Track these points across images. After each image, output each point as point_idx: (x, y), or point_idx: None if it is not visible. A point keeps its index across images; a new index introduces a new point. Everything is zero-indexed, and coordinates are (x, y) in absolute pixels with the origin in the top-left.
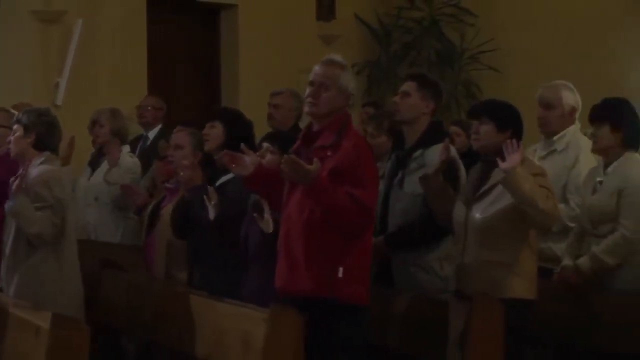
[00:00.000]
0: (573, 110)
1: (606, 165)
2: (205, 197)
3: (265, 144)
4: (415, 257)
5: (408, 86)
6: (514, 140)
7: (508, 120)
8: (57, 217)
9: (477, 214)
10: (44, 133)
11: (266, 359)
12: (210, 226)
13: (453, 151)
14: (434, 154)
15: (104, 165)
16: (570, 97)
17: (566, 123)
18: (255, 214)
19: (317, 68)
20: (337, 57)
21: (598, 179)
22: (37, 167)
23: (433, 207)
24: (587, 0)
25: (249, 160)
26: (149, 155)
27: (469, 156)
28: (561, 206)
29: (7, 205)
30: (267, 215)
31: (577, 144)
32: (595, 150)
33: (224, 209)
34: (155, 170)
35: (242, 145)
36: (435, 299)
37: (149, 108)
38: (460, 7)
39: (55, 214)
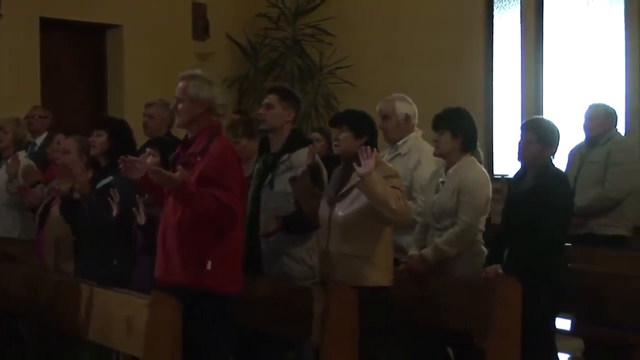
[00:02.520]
0: (408, 117)
1: (447, 168)
2: (109, 198)
3: (147, 149)
4: (287, 248)
5: (271, 98)
6: (368, 147)
7: (364, 128)
8: None
9: (339, 211)
10: None
11: (148, 341)
12: (113, 222)
13: (316, 155)
14: (300, 158)
15: (3, 169)
16: (404, 107)
17: (405, 130)
18: (133, 208)
19: (178, 85)
20: (188, 71)
21: (440, 179)
22: None
23: (302, 204)
24: (429, 24)
25: (141, 166)
26: (36, 159)
27: (328, 159)
28: (409, 203)
29: None
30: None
31: (419, 148)
32: (437, 155)
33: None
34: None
35: (123, 157)
36: (301, 285)
37: (36, 117)
38: (320, 28)
39: None
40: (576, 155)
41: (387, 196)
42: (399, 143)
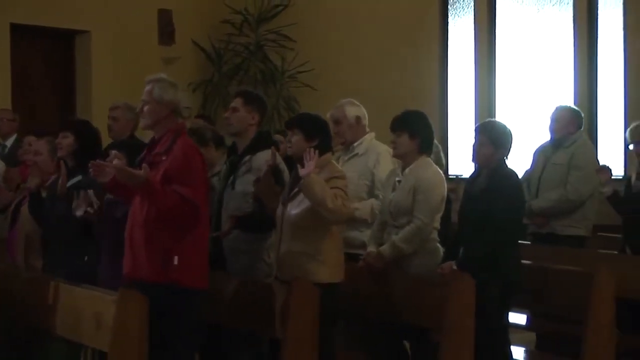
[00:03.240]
0: (359, 119)
1: (404, 168)
2: (76, 199)
3: (113, 152)
4: (248, 247)
5: (236, 102)
6: (312, 150)
7: (315, 131)
8: None
9: (291, 210)
10: None
11: (115, 336)
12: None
13: (278, 157)
14: (261, 160)
15: None
16: (353, 110)
17: (358, 132)
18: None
19: (145, 88)
20: (153, 75)
21: (397, 179)
22: None
23: (266, 204)
24: (387, 30)
25: (109, 169)
26: (6, 161)
27: (290, 160)
28: (373, 200)
29: None
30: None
31: (375, 148)
32: (395, 155)
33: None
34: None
35: (93, 162)
36: (262, 282)
37: (4, 120)
38: (281, 34)
39: None
40: (540, 156)
41: (324, 196)
42: (354, 144)
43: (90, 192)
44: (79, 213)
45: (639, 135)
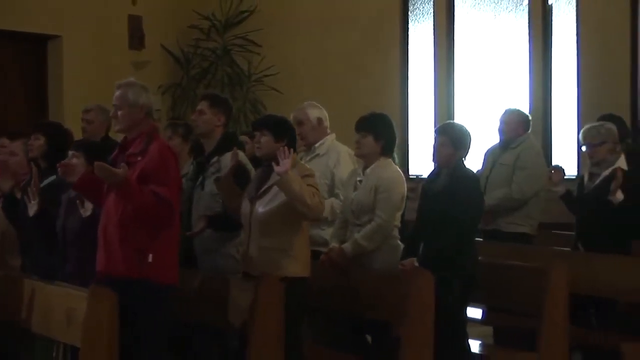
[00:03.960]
0: (320, 121)
1: (365, 167)
2: (25, 197)
3: (70, 152)
4: (218, 245)
5: (202, 105)
6: (286, 148)
7: (283, 132)
8: None
9: (259, 208)
10: None
11: (86, 332)
12: (31, 220)
13: (242, 157)
14: (228, 160)
15: None
16: (315, 112)
17: (319, 133)
18: (77, 201)
19: (115, 93)
20: (126, 80)
21: (358, 178)
22: None
23: (227, 204)
24: (349, 35)
25: (77, 169)
26: None
27: (256, 160)
28: (332, 199)
29: None
30: (86, 203)
31: (336, 149)
32: (358, 155)
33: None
34: None
35: (61, 162)
36: (230, 278)
37: None
38: (248, 39)
39: None
40: (490, 157)
41: (303, 193)
42: (316, 145)
43: (30, 188)
44: (31, 213)
45: (591, 137)
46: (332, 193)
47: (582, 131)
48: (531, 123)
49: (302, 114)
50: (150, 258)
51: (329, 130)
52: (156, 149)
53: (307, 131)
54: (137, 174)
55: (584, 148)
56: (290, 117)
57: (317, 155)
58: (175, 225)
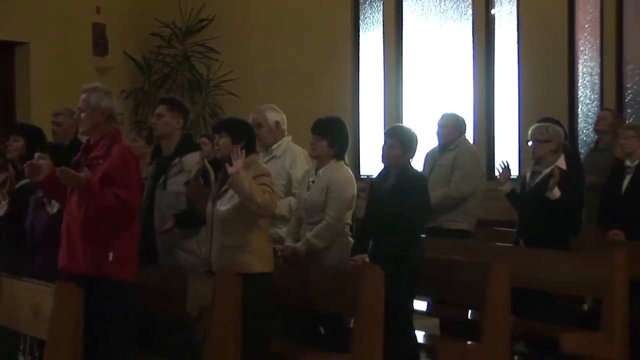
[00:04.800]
0: (278, 124)
1: (318, 168)
2: None
3: (36, 154)
4: (180, 241)
5: (161, 108)
6: (239, 150)
7: (241, 133)
8: None
9: (220, 207)
10: None
11: (52, 325)
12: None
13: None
14: (190, 161)
15: None
16: (274, 116)
17: (277, 135)
18: (44, 199)
19: (81, 96)
20: (89, 84)
21: (311, 179)
22: None
23: (196, 204)
24: (304, 43)
25: (43, 169)
26: None
27: (215, 162)
28: (291, 198)
29: None
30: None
31: (292, 151)
32: (311, 156)
33: (16, 206)
34: None
35: (28, 162)
36: (192, 274)
37: None
38: (207, 46)
39: None
40: (430, 159)
41: (253, 192)
42: (273, 147)
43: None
44: (1, 213)
45: (539, 133)
46: (289, 193)
47: (531, 128)
48: (466, 126)
49: (261, 117)
50: (110, 257)
51: (286, 133)
52: (118, 152)
53: (265, 133)
54: (99, 176)
55: (530, 143)
56: (250, 119)
57: (274, 156)
58: (135, 224)
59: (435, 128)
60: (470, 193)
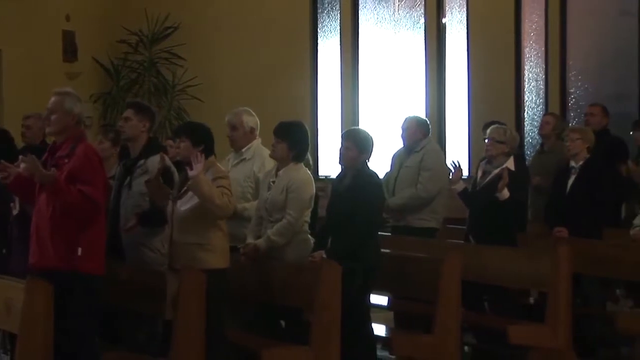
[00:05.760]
0: (253, 129)
1: (278, 169)
2: None
3: (21, 157)
4: (144, 239)
5: (128, 112)
6: (199, 153)
7: (201, 137)
8: None
9: (181, 207)
10: None
11: (24, 320)
12: None
13: (168, 160)
14: (154, 163)
15: None
16: (250, 120)
17: (249, 139)
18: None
19: (51, 99)
20: (61, 89)
21: (271, 179)
22: None
23: (155, 203)
24: (265, 50)
25: (12, 171)
26: None
27: (180, 163)
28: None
29: None
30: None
31: (261, 154)
32: (272, 157)
33: None
34: None
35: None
36: (156, 270)
37: None
38: (172, 53)
39: None
40: (397, 160)
41: (212, 194)
42: (243, 150)
43: None
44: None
45: (497, 134)
46: (257, 195)
47: (490, 127)
48: (430, 127)
49: (237, 120)
50: (79, 251)
51: (257, 136)
52: (82, 151)
53: (239, 136)
54: (65, 174)
55: (486, 141)
56: (226, 120)
57: (244, 159)
58: (101, 220)
59: (394, 130)
60: (437, 192)
